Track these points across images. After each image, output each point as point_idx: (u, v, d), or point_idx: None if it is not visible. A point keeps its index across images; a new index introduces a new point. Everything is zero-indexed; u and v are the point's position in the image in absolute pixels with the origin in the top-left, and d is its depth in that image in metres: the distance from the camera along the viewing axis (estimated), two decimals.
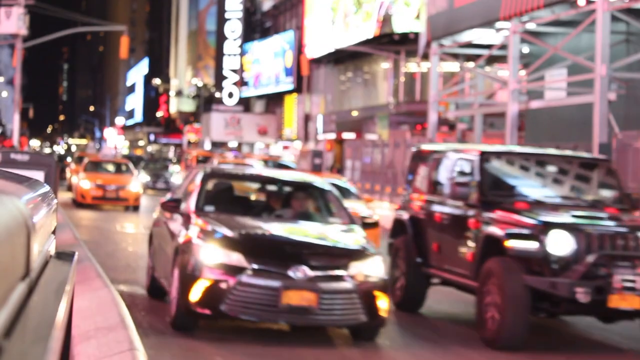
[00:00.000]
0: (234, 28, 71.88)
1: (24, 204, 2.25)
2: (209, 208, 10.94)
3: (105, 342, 7.74)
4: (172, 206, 11.24)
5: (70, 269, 2.89)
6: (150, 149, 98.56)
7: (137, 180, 31.32)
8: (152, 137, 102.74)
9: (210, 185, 11.54)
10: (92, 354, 7.52)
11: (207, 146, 68.37)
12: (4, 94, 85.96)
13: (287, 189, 11.80)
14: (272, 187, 12.06)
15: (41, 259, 2.49)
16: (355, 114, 49.57)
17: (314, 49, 52.78)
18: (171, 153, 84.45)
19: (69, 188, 39.30)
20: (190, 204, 10.92)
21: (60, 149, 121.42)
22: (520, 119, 29.34)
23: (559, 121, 28.15)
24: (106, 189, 29.98)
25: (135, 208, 30.42)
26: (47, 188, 3.22)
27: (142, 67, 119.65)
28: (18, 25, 44.28)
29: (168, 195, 12.81)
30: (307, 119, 57.48)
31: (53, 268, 2.72)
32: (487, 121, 35.50)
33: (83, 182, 30.28)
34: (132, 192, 30.25)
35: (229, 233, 9.94)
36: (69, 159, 58.77)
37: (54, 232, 3.16)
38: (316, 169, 18.95)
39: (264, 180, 12.29)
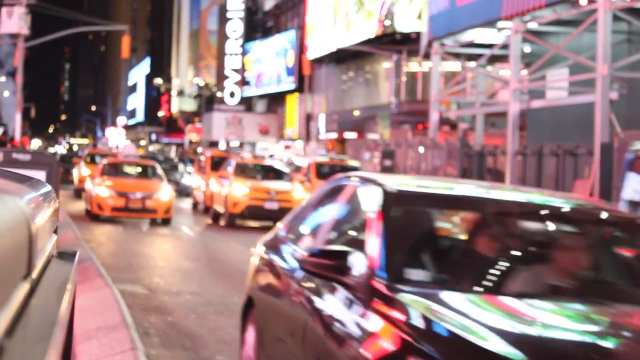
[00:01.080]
0: (235, 27, 71.88)
1: (26, 203, 2.26)
2: (416, 274, 5.02)
3: (106, 342, 7.75)
4: (330, 267, 5.04)
5: (72, 268, 2.89)
6: (151, 148, 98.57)
7: (168, 187, 25.28)
8: (153, 137, 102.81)
9: (398, 220, 5.41)
10: (93, 353, 7.53)
11: (222, 146, 65.12)
12: (6, 93, 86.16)
13: (548, 225, 5.58)
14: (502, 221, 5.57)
15: (43, 259, 2.49)
16: (356, 113, 49.57)
17: (316, 49, 52.79)
18: (172, 152, 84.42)
19: (78, 194, 34.53)
20: (375, 266, 4.94)
21: (61, 148, 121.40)
22: (522, 119, 29.34)
23: (560, 121, 28.14)
24: (129, 198, 24.13)
25: (166, 221, 24.51)
26: (48, 187, 3.22)
27: (144, 67, 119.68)
28: (20, 25, 44.29)
29: (296, 234, 6.68)
30: (308, 118, 57.47)
31: (55, 267, 2.72)
32: (489, 121, 35.50)
33: (100, 189, 24.36)
34: (162, 202, 24.28)
35: (502, 345, 3.98)
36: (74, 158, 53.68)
37: (55, 232, 3.17)
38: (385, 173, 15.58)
39: (517, 210, 5.57)
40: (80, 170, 35.37)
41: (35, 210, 2.37)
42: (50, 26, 64.27)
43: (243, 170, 26.93)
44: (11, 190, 2.42)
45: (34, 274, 2.21)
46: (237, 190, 25.17)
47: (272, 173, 27.23)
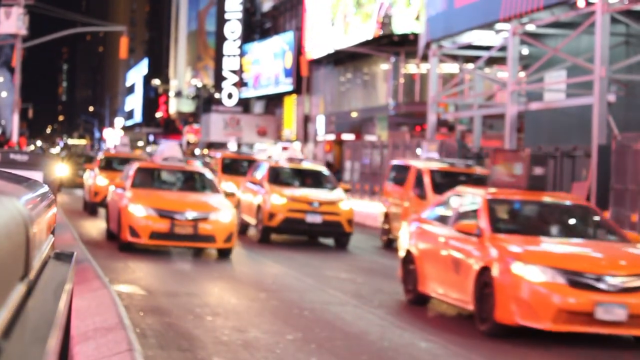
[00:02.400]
0: (233, 29, 71.89)
1: (23, 204, 2.26)
2: None
3: (104, 343, 7.74)
4: None
5: (69, 269, 2.89)
6: (149, 149, 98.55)
7: (228, 204, 18.37)
8: (151, 138, 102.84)
9: None
10: (90, 354, 7.52)
11: (233, 147, 61.17)
12: (3, 94, 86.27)
13: None
14: None
15: (40, 260, 2.49)
16: (354, 115, 49.58)
17: (314, 50, 52.81)
18: None
19: (91, 209, 27.55)
20: None
21: (58, 149, 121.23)
22: (520, 121, 29.35)
23: (558, 123, 28.15)
24: (176, 220, 17.28)
25: (225, 254, 17.72)
26: (46, 188, 3.22)
27: (142, 68, 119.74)
28: (18, 26, 44.27)
29: None
30: (306, 120, 57.48)
31: (52, 268, 2.72)
32: (487, 123, 35.51)
33: (135, 207, 17.53)
34: (221, 225, 17.37)
35: None
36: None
37: (52, 233, 3.17)
38: (536, 186, 12.65)
39: None
40: (95, 179, 27.43)
41: (33, 211, 2.37)
42: (48, 27, 64.30)
43: (278, 176, 22.86)
44: (9, 191, 2.41)
45: (31, 275, 2.21)
46: (273, 200, 21.40)
47: (312, 179, 23.14)
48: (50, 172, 14.47)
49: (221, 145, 68.49)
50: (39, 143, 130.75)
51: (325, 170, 23.78)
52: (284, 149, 57.88)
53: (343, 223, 21.35)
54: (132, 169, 19.62)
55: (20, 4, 44.19)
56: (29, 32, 46.19)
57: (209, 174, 19.74)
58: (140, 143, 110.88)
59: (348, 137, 48.39)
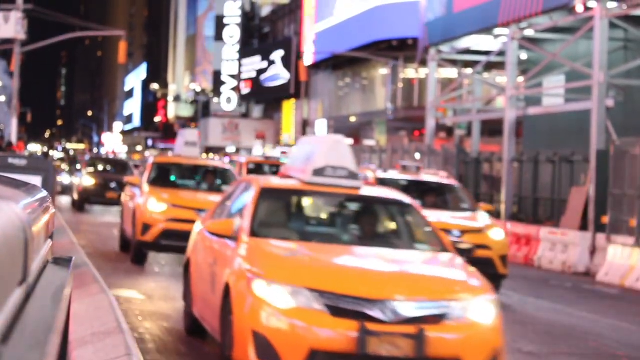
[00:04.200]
0: (232, 33, 71.93)
1: (22, 209, 2.26)
2: None
3: (102, 347, 7.74)
4: None
5: (68, 274, 2.89)
6: (147, 154, 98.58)
7: (482, 283, 7.65)
8: (150, 142, 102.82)
9: None
10: (89, 359, 7.52)
11: (257, 151, 57.75)
12: (2, 98, 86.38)
13: None
14: None
15: (38, 264, 2.49)
16: (353, 119, 49.58)
17: (312, 55, 52.83)
18: None
19: (135, 251, 16.00)
20: None
21: (57, 153, 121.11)
22: (518, 126, 29.39)
23: (556, 128, 28.17)
24: (368, 320, 7.00)
25: None
26: (44, 193, 3.22)
27: (141, 72, 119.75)
28: (16, 30, 44.27)
29: None
30: (305, 124, 57.49)
31: (50, 273, 2.72)
32: (485, 128, 35.54)
33: (267, 287, 7.23)
34: (477, 331, 7.25)
35: None
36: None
37: (51, 237, 3.17)
38: None
39: None
40: (146, 203, 15.99)
41: (31, 215, 2.37)
42: (47, 31, 64.31)
43: None
44: (7, 195, 2.41)
45: (30, 280, 2.21)
46: None
47: (437, 196, 16.55)
48: (50, 176, 14.43)
49: (219, 150, 68.51)
50: (36, 148, 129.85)
51: (456, 185, 17.01)
52: (283, 153, 57.95)
53: (495, 261, 14.97)
54: (247, 193, 9.29)
55: (19, 9, 44.22)
56: (27, 37, 46.19)
57: (415, 205, 9.46)
58: (139, 147, 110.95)
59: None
